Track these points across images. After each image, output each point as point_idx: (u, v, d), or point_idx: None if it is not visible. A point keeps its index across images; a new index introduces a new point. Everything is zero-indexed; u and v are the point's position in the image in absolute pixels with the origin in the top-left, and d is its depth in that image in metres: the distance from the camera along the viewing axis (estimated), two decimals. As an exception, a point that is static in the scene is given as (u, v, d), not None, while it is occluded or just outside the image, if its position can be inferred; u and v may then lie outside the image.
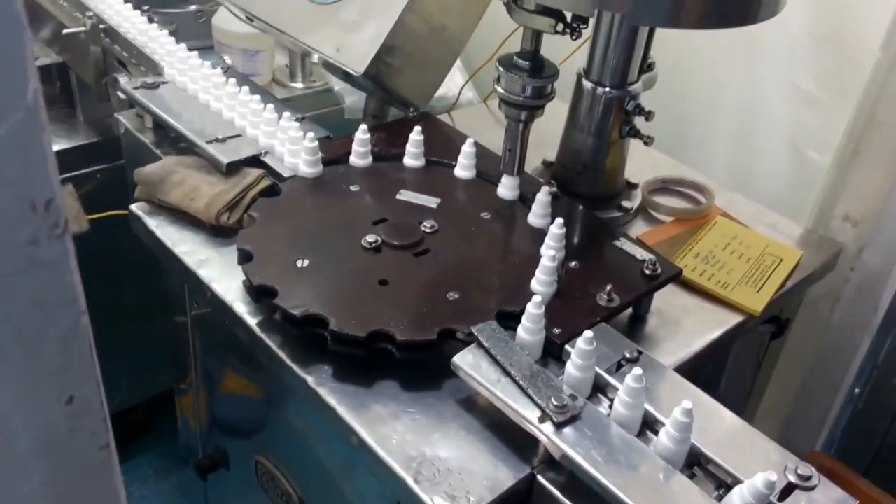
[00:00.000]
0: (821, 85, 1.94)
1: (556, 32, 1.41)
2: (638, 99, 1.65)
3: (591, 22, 1.50)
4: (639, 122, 1.66)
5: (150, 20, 2.04)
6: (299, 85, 2.28)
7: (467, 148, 1.64)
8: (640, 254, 1.47)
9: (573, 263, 1.43)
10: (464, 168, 1.65)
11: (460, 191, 1.63)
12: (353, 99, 2.04)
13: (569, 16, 1.40)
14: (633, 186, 1.80)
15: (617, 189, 1.77)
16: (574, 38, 1.43)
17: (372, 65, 1.67)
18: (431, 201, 1.57)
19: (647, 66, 1.68)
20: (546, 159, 1.83)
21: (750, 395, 1.94)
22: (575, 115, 1.70)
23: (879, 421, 1.95)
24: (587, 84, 1.65)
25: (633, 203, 1.76)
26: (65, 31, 2.05)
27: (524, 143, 1.55)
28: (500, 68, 1.49)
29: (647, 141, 1.66)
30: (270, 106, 1.68)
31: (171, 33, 1.99)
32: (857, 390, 1.96)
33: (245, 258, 1.38)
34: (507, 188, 1.60)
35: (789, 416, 2.08)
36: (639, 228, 1.74)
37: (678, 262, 1.58)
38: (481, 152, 1.66)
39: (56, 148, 2.01)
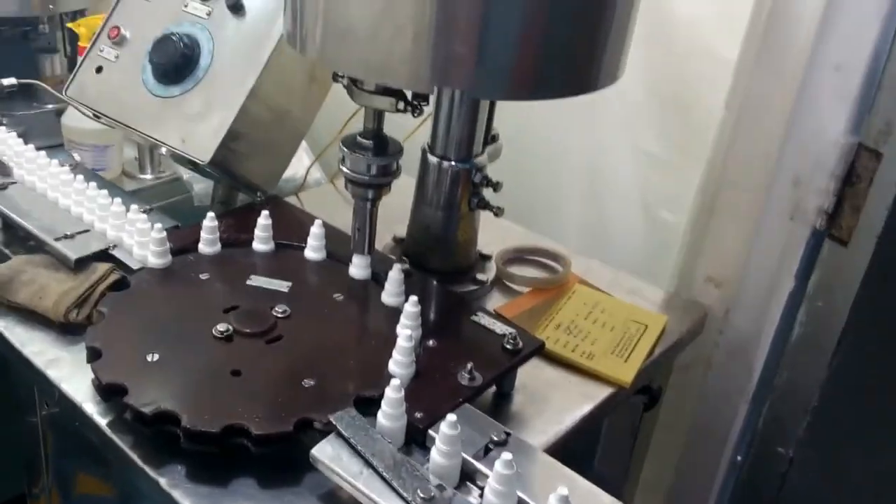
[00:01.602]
0: (667, 146, 1.82)
1: (398, 111, 1.28)
2: (484, 171, 1.50)
3: (432, 98, 1.36)
4: (488, 193, 1.52)
5: None
6: (149, 176, 2.09)
7: (315, 229, 1.48)
8: (500, 328, 1.31)
9: (431, 342, 1.26)
10: (314, 250, 1.48)
11: (312, 273, 1.46)
12: (202, 186, 1.86)
13: (409, 94, 1.27)
14: (487, 258, 1.65)
15: (471, 262, 1.62)
16: (415, 115, 1.29)
17: (217, 153, 1.51)
18: (283, 285, 1.39)
19: (490, 138, 1.54)
20: (396, 235, 1.67)
21: (629, 471, 1.77)
22: (422, 189, 1.54)
23: (765, 490, 1.76)
24: (432, 159, 1.50)
25: (487, 275, 1.60)
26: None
27: (373, 221, 1.40)
28: (344, 149, 1.34)
29: (497, 212, 1.52)
30: (118, 199, 1.51)
31: (21, 134, 1.79)
32: (739, 458, 1.78)
33: (94, 356, 1.20)
34: (358, 268, 1.44)
35: (672, 490, 1.90)
36: (496, 301, 1.57)
37: (539, 334, 1.42)
38: (331, 233, 1.50)
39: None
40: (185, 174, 1.89)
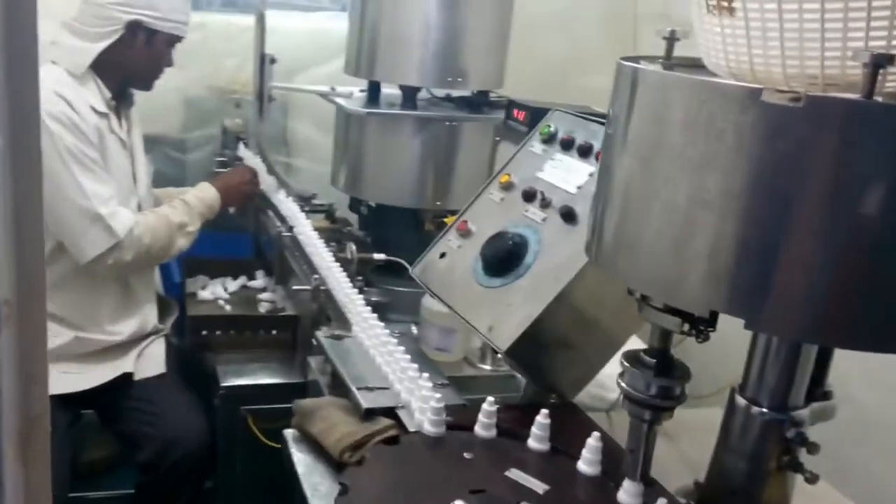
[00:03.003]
0: None
1: (682, 333, 1.17)
2: (802, 427, 1.27)
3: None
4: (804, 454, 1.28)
5: (360, 290, 2.04)
6: (487, 367, 2.13)
7: (593, 442, 1.38)
8: None
9: None
10: (587, 463, 1.38)
11: (576, 485, 1.36)
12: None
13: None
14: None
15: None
16: (699, 340, 1.17)
17: (515, 344, 1.48)
18: (539, 486, 1.32)
19: (821, 394, 1.32)
20: (698, 480, 1.42)
21: None
22: (727, 432, 1.33)
23: None
24: (740, 400, 1.30)
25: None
26: (294, 287, 2.23)
27: (649, 445, 1.27)
28: (625, 363, 1.25)
29: (810, 478, 1.25)
30: (415, 366, 1.60)
31: (385, 305, 2.02)
32: None
33: (342, 492, 1.25)
34: (628, 493, 1.29)
35: None
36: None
37: None
38: (618, 450, 1.38)
39: (272, 381, 2.24)
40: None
